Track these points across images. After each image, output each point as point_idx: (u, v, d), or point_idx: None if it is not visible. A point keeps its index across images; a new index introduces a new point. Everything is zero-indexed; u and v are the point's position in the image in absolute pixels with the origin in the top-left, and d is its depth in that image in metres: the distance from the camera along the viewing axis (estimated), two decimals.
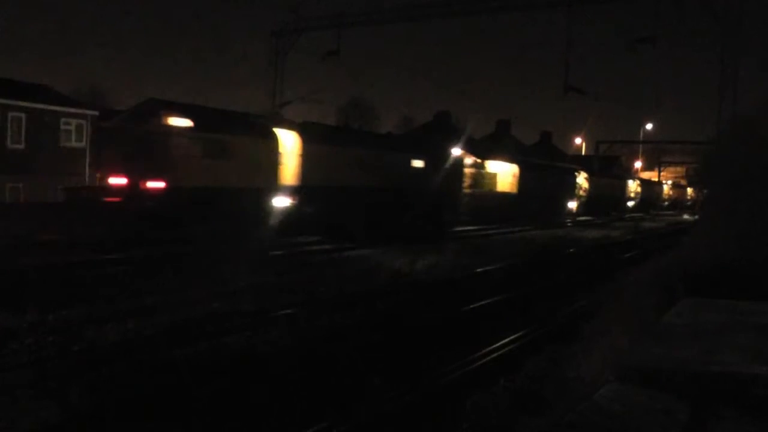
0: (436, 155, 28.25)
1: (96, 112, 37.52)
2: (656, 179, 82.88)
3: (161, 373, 7.96)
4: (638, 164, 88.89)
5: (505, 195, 36.48)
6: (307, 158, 21.17)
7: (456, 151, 30.26)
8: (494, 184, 36.71)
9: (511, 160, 38.72)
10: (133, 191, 17.29)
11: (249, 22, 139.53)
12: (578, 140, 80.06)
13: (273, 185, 20.21)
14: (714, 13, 27.89)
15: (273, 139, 20.48)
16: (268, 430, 6.64)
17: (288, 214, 20.52)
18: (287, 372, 8.11)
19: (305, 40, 39.02)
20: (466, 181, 31.92)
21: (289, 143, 21.05)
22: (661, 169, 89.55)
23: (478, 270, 17.37)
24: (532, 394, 7.44)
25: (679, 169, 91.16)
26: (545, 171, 43.09)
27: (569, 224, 39.75)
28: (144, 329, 9.85)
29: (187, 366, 8.26)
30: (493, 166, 36.94)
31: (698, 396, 3.73)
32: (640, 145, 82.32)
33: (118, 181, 17.77)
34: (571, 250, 24.31)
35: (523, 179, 37.74)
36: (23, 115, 32.01)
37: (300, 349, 9.28)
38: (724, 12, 27.73)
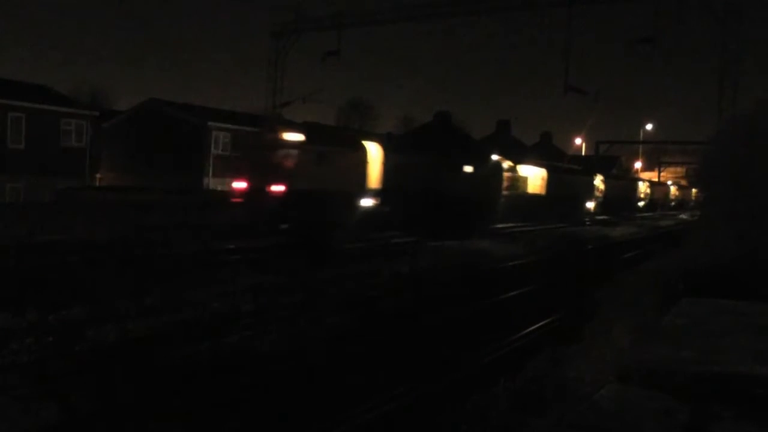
0: (482, 161, 32.80)
1: (96, 113, 37.55)
2: (656, 179, 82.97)
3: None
4: (638, 164, 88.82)
5: (534, 196, 40.02)
6: (387, 166, 25.09)
7: (495, 157, 34.45)
8: (525, 186, 39.89)
9: (540, 165, 42.59)
10: (256, 193, 20.95)
11: (249, 22, 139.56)
12: (578, 140, 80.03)
13: (362, 189, 24.00)
14: (714, 13, 27.89)
15: (363, 150, 24.21)
16: None
17: (371, 212, 24.34)
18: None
19: (305, 40, 39.04)
20: (504, 184, 35.96)
21: (374, 153, 24.80)
22: (661, 169, 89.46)
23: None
24: None
25: (679, 169, 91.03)
26: (568, 174, 47.08)
27: (590, 223, 43.34)
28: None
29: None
30: (524, 169, 39.93)
31: (698, 396, 3.73)
32: (640, 146, 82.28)
33: (240, 185, 21.59)
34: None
35: (550, 182, 41.67)
36: (23, 116, 32.01)
37: None
38: (725, 12, 27.72)
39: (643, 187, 66.19)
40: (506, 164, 36.63)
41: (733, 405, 3.69)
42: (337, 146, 23.72)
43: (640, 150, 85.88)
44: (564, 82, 31.14)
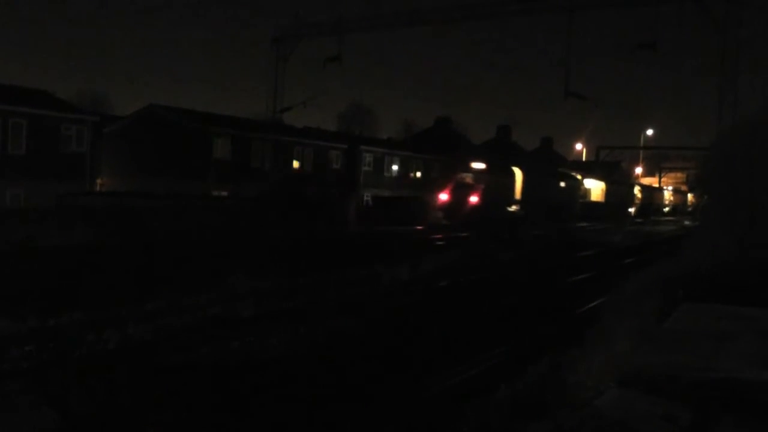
0: (568, 178, 46.74)
1: (97, 118, 37.53)
2: (656, 185, 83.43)
3: None
4: (639, 170, 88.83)
5: (596, 203, 52.01)
6: (524, 184, 36.87)
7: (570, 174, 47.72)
8: (589, 195, 51.96)
9: (600, 178, 54.54)
10: (455, 203, 32.50)
11: (250, 27, 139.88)
12: (579, 146, 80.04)
13: (511, 200, 36.23)
14: (714, 19, 27.95)
15: (513, 174, 36.63)
16: None
17: (515, 215, 36.22)
18: None
19: (307, 45, 39.12)
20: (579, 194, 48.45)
21: (518, 175, 36.76)
22: (662, 175, 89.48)
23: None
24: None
25: (679, 175, 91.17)
26: (619, 185, 59.48)
27: (637, 223, 51.32)
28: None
29: None
30: (587, 182, 52.02)
31: (699, 401, 3.72)
32: (641, 151, 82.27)
33: (443, 197, 33.46)
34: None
35: (607, 192, 53.61)
36: (24, 121, 32.03)
37: None
38: (724, 18, 27.78)
39: (667, 195, 79.71)
40: (578, 177, 50.22)
41: (734, 410, 3.68)
42: (500, 172, 35.85)
43: (641, 155, 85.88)
44: (564, 87, 31.16)
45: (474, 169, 34.02)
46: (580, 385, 6.36)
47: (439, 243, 24.93)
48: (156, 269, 15.13)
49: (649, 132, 78.49)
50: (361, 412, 6.87)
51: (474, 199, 32.29)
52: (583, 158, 77.68)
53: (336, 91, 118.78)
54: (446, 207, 33.00)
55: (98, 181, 40.27)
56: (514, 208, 35.98)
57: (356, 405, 7.01)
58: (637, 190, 63.86)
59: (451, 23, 37.56)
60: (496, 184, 34.19)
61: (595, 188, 52.57)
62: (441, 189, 34.31)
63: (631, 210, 59.54)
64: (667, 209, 77.02)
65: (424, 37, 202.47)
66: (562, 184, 43.79)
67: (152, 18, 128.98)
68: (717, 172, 10.70)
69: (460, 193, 32.51)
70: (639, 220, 55.43)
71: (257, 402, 7.14)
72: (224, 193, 38.00)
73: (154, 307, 11.41)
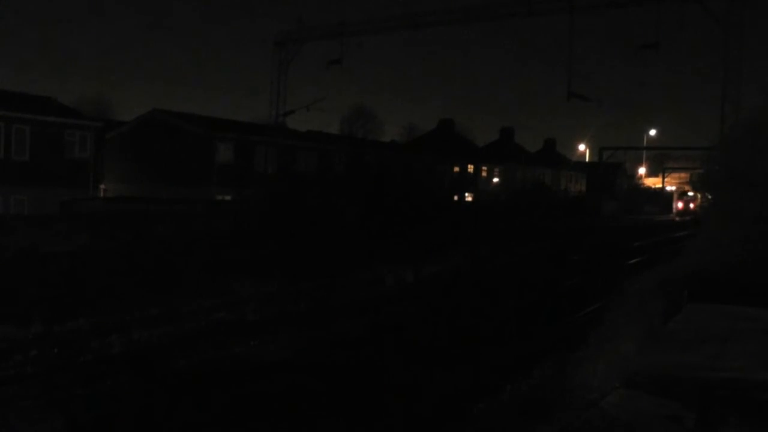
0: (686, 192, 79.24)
1: (100, 124, 37.57)
2: (660, 185, 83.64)
3: None
4: (642, 170, 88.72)
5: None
6: (699, 198, 57.74)
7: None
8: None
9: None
10: (684, 210, 68.81)
11: (253, 31, 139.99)
12: (581, 147, 79.97)
13: (695, 206, 66.45)
14: (716, 18, 27.91)
15: (696, 195, 62.99)
16: None
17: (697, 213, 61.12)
18: None
19: (309, 49, 39.15)
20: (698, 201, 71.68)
21: (698, 195, 59.49)
22: (665, 175, 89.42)
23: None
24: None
25: (683, 175, 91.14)
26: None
27: None
28: None
29: None
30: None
31: (704, 402, 3.71)
32: (644, 152, 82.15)
33: (679, 205, 71.89)
34: None
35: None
36: (27, 127, 32.09)
37: None
38: (727, 18, 27.73)
39: (698, 197, 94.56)
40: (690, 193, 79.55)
41: (739, 410, 3.67)
42: (694, 194, 62.07)
43: (644, 156, 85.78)
44: (567, 88, 31.15)
45: (688, 192, 69.43)
46: (586, 386, 6.34)
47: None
48: (161, 273, 15.12)
49: (652, 132, 78.59)
50: None
51: (692, 206, 65.12)
52: (587, 159, 77.66)
53: (339, 94, 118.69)
54: (680, 209, 68.51)
55: (101, 186, 40.33)
56: (691, 211, 67.97)
57: None
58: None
59: (453, 26, 37.54)
60: (693, 198, 66.22)
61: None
62: (677, 201, 71.99)
63: None
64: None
65: (426, 40, 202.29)
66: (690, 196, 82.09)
67: (154, 23, 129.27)
68: (721, 171, 10.69)
69: (685, 204, 68.46)
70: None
71: None
72: (227, 198, 38.01)
73: (159, 312, 11.39)
